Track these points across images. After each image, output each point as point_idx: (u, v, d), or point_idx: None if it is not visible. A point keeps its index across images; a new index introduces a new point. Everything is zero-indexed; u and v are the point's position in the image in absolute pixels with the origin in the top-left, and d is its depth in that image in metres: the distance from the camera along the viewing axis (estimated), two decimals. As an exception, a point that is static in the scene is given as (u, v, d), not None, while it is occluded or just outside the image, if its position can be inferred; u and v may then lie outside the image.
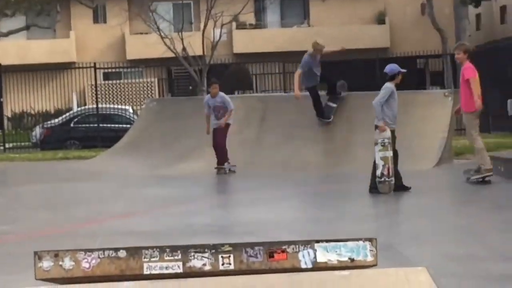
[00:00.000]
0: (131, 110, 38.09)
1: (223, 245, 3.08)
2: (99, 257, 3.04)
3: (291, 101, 22.82)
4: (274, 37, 52.11)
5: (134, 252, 3.01)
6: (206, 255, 3.03)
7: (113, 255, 3.07)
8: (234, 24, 47.84)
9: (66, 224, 14.58)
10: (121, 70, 48.62)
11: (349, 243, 3.04)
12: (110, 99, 42.42)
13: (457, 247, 9.99)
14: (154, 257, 3.05)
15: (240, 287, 2.92)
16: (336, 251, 3.02)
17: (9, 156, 32.52)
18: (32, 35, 46.73)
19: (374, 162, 17.13)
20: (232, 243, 3.05)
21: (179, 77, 44.85)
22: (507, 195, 14.42)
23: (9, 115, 41.72)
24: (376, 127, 16.93)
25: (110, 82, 45.95)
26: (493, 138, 26.58)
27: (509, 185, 14.87)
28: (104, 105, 39.77)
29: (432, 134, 19.08)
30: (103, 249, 3.05)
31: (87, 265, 3.06)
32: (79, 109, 41.63)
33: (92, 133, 35.04)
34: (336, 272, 2.97)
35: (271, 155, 21.26)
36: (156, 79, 47.61)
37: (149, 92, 46.94)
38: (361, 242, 3.03)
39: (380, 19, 52.07)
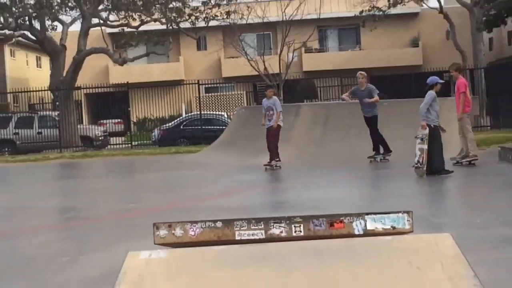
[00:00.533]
0: (225, 116, 38.18)
1: (295, 217, 3.08)
2: (201, 227, 3.05)
3: (346, 107, 22.55)
4: (333, 58, 52.32)
5: (228, 223, 3.02)
6: (282, 225, 3.03)
7: (212, 226, 3.08)
8: (303, 49, 47.14)
9: (177, 202, 14.66)
10: (218, 85, 48.83)
11: (391, 215, 3.02)
12: (210, 107, 42.50)
13: (475, 217, 9.70)
14: (243, 227, 3.05)
15: (308, 249, 2.88)
16: (381, 221, 3.00)
17: (135, 151, 32.57)
18: (151, 60, 47.03)
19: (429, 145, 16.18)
20: (302, 216, 3.04)
21: (262, 90, 44.61)
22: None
23: (135, 120, 41.69)
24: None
25: (210, 94, 46.41)
26: (504, 133, 25.89)
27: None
28: (205, 112, 39.67)
29: (454, 132, 18.77)
30: (205, 221, 3.06)
31: (192, 233, 3.07)
32: (187, 115, 41.97)
33: (197, 133, 35.30)
34: (381, 237, 2.94)
35: (332, 150, 21.07)
36: (244, 92, 48.19)
37: (239, 102, 47.26)
38: (400, 214, 3.00)
39: (415, 43, 51.26)
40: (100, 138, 40.00)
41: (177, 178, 19.52)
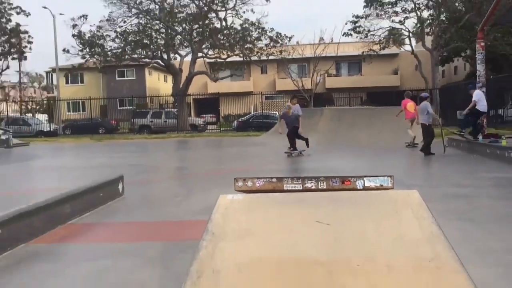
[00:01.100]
0: (277, 114, 37.80)
1: (320, 177, 3.07)
2: (263, 181, 3.06)
3: (352, 112, 22.56)
4: (344, 80, 52.92)
5: (279, 179, 3.04)
6: (312, 181, 3.03)
7: (269, 180, 3.10)
8: (325, 74, 46.61)
9: (248, 165, 14.79)
10: (273, 95, 48.70)
11: (380, 177, 3.00)
12: (268, 109, 42.23)
13: (432, 181, 9.60)
14: (288, 182, 3.06)
15: (328, 196, 2.88)
16: (374, 181, 2.99)
17: (222, 134, 32.74)
18: (233, 79, 46.94)
19: (424, 136, 15.92)
20: (325, 176, 3.01)
21: (300, 99, 44.45)
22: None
23: (222, 115, 41.67)
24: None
25: (268, 101, 45.84)
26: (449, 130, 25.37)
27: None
28: (265, 111, 39.44)
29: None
30: (265, 177, 3.06)
31: (258, 185, 3.09)
32: (254, 113, 41.77)
33: (259, 124, 34.98)
34: (374, 191, 2.92)
35: (342, 137, 20.92)
36: (288, 100, 47.19)
37: (285, 106, 46.57)
38: (386, 177, 2.97)
39: (395, 72, 50.93)
40: (201, 126, 40.10)
41: (248, 151, 19.61)
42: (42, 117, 50.33)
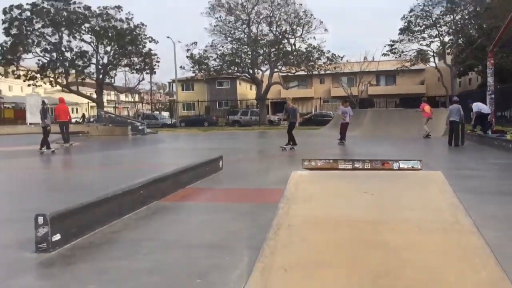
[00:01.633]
0: (332, 113, 37.27)
1: (365, 159, 3.04)
2: (323, 161, 3.02)
3: (389, 112, 21.78)
4: (382, 89, 51.12)
5: (335, 160, 2.99)
6: (360, 162, 2.98)
7: (327, 161, 3.06)
8: (368, 84, 45.42)
9: (311, 150, 14.26)
10: (329, 99, 48.04)
11: (412, 161, 2.91)
12: (325, 109, 41.71)
13: (452, 165, 9.18)
14: (341, 163, 3.01)
15: (372, 174, 2.84)
16: (407, 164, 2.89)
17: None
18: (299, 87, 46.30)
19: (450, 130, 14.61)
20: (369, 159, 2.97)
21: (350, 102, 43.70)
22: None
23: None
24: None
25: (324, 104, 45.39)
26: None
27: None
28: (322, 111, 38.95)
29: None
30: (324, 159, 3.04)
31: (319, 164, 3.06)
32: (314, 112, 41.15)
33: (318, 121, 34.34)
34: (407, 171, 2.83)
35: (382, 131, 20.39)
36: (340, 103, 46.37)
37: (336, 107, 45.76)
38: (416, 161, 2.88)
39: (422, 83, 48.77)
40: (276, 121, 39.98)
41: (309, 140, 19.39)
42: (166, 114, 51.88)
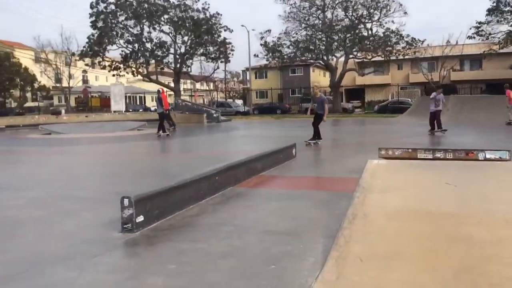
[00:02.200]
0: (409, 100, 35.78)
1: (448, 149, 2.90)
2: (401, 151, 2.94)
3: (472, 99, 20.57)
4: (466, 74, 48.18)
5: (414, 150, 2.90)
6: (441, 152, 2.86)
7: (406, 150, 2.97)
8: (451, 69, 42.86)
9: (384, 139, 13.15)
10: (407, 86, 45.96)
11: (500, 151, 2.74)
12: (403, 96, 40.13)
13: None
14: (421, 152, 2.91)
15: (454, 165, 2.72)
16: (494, 154, 2.72)
17: (366, 115, 31.74)
18: (375, 73, 44.58)
19: None
20: (451, 148, 2.83)
21: (428, 90, 41.36)
22: None
23: (366, 101, 40.44)
24: None
25: (402, 90, 43.64)
26: None
27: None
28: (400, 98, 37.49)
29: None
30: (402, 148, 2.96)
31: (397, 153, 2.98)
32: (391, 99, 39.71)
33: (395, 108, 33.11)
34: (493, 162, 2.68)
35: (466, 118, 19.34)
36: (419, 90, 44.53)
37: (416, 94, 43.78)
38: (505, 151, 2.71)
39: (511, 67, 45.04)
40: (350, 109, 38.95)
41: (385, 128, 18.76)
42: (239, 102, 52.67)
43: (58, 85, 50.32)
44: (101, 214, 4.70)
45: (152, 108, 48.50)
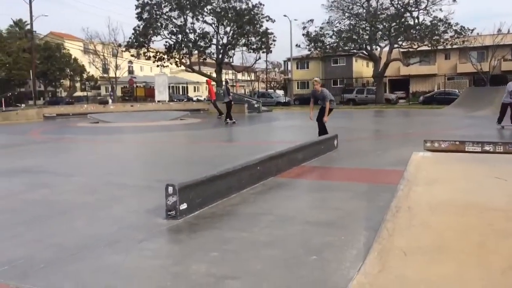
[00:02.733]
0: (457, 91, 34.41)
1: (498, 142, 2.78)
2: (448, 143, 2.84)
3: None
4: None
5: (462, 142, 2.80)
6: (491, 145, 2.74)
7: (453, 143, 2.87)
8: (502, 59, 40.91)
9: (430, 131, 12.75)
10: (454, 76, 44.32)
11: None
12: (449, 87, 38.59)
13: None
14: (470, 145, 2.80)
15: (504, 158, 2.60)
16: None
17: (410, 106, 31.08)
18: (421, 63, 43.01)
19: None
20: (502, 141, 2.72)
21: (477, 80, 39.80)
22: None
23: (410, 92, 39.33)
24: None
25: (449, 81, 42.17)
26: None
27: None
28: (447, 90, 36.08)
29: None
30: (449, 140, 2.86)
31: (443, 146, 2.89)
32: (436, 90, 38.33)
33: (441, 100, 31.86)
34: None
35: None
36: (467, 80, 42.67)
37: (464, 85, 41.95)
38: None
39: None
40: (394, 100, 38.09)
41: (431, 120, 18.20)
42: (280, 92, 52.54)
43: (105, 75, 51.96)
44: (146, 201, 4.84)
45: (194, 98, 49.32)
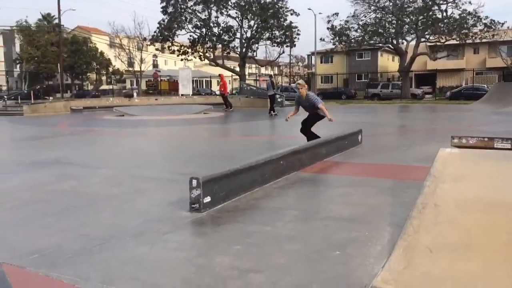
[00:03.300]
0: (485, 86, 33.59)
1: (510, 138, 2.71)
2: (476, 139, 2.79)
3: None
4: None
5: (491, 139, 2.75)
6: (509, 142, 2.67)
7: (481, 139, 2.81)
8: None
9: (457, 127, 12.30)
10: (482, 71, 43.25)
11: None
12: (477, 82, 37.66)
13: None
14: (498, 141, 2.74)
15: (509, 154, 2.55)
16: None
17: (437, 102, 30.39)
18: (449, 58, 42.00)
19: None
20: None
21: (508, 74, 38.72)
22: None
23: (437, 87, 38.62)
24: None
25: (477, 76, 41.27)
26: None
27: None
28: (475, 85, 35.25)
29: None
30: (478, 137, 2.80)
31: (471, 142, 2.84)
32: (464, 86, 37.44)
33: (469, 95, 31.13)
34: None
35: None
36: (497, 75, 41.33)
37: (494, 80, 40.73)
38: None
39: None
40: (420, 95, 37.44)
41: (458, 116, 17.81)
42: (304, 86, 52.14)
43: (130, 69, 52.66)
44: (170, 194, 4.91)
45: (217, 92, 49.44)
